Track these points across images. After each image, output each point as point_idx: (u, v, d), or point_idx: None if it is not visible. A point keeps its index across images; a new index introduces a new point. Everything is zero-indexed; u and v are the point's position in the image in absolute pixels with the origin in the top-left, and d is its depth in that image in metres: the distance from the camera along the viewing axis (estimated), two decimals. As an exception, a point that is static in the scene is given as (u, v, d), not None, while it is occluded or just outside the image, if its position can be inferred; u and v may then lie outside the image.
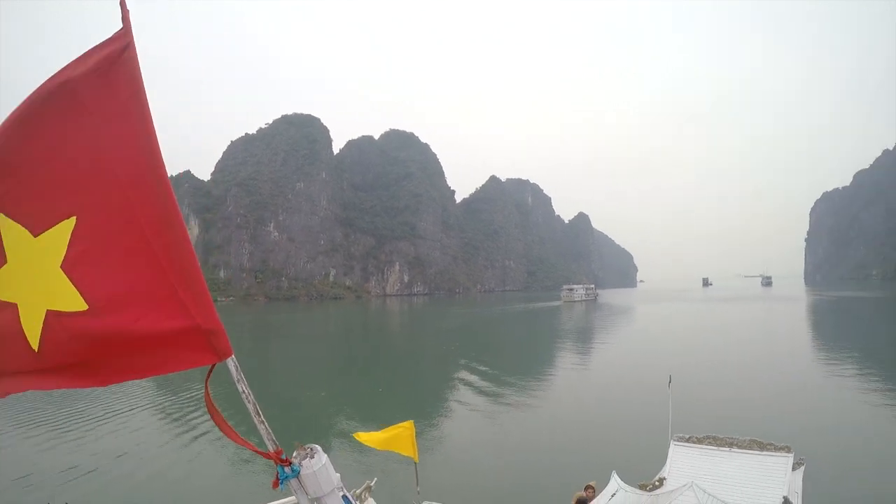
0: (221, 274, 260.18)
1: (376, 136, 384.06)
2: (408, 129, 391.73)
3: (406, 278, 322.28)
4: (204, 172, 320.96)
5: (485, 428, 32.53)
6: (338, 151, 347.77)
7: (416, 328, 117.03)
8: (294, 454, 3.87)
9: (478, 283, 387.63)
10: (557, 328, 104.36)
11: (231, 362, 3.37)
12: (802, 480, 15.57)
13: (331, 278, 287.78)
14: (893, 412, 35.59)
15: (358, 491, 9.43)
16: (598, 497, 13.57)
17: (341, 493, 3.81)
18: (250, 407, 3.53)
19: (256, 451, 3.58)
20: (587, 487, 14.41)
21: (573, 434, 30.93)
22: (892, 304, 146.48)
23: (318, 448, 3.95)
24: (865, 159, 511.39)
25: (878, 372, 49.35)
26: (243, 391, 3.51)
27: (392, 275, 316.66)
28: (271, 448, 3.66)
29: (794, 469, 15.20)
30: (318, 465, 3.86)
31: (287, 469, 3.75)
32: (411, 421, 10.47)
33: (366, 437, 10.20)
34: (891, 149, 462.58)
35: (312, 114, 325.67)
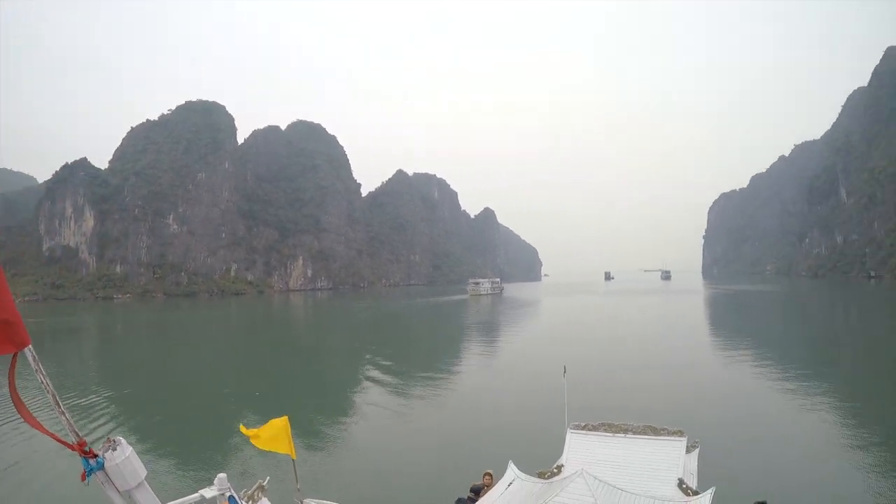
0: (118, 269, 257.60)
1: (283, 127, 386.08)
2: (316, 121, 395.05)
3: (310, 273, 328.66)
4: (102, 160, 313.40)
5: (383, 421, 32.90)
6: (242, 141, 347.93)
7: (318, 324, 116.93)
8: (100, 447, 3.96)
9: (383, 278, 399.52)
10: (462, 322, 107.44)
11: (29, 352, 3.42)
12: (697, 462, 16.27)
13: (232, 273, 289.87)
14: (781, 395, 38.62)
15: (250, 491, 9.67)
16: (495, 486, 13.84)
17: (228, 494, 3.94)
18: (50, 398, 3.54)
19: (61, 442, 3.62)
20: (485, 476, 14.83)
21: (472, 425, 31.84)
22: (783, 297, 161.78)
23: (122, 440, 4.02)
24: (763, 165, 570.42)
25: (768, 359, 52.44)
26: (42, 382, 3.56)
27: (295, 269, 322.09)
28: (74, 439, 3.68)
29: (688, 451, 15.85)
30: (121, 458, 3.91)
31: (92, 461, 3.75)
32: (286, 417, 10.31)
33: (248, 433, 10.04)
34: (786, 155, 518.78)
35: (218, 101, 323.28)
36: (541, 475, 14.24)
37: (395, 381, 45.22)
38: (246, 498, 9.47)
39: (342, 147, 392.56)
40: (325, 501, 10.02)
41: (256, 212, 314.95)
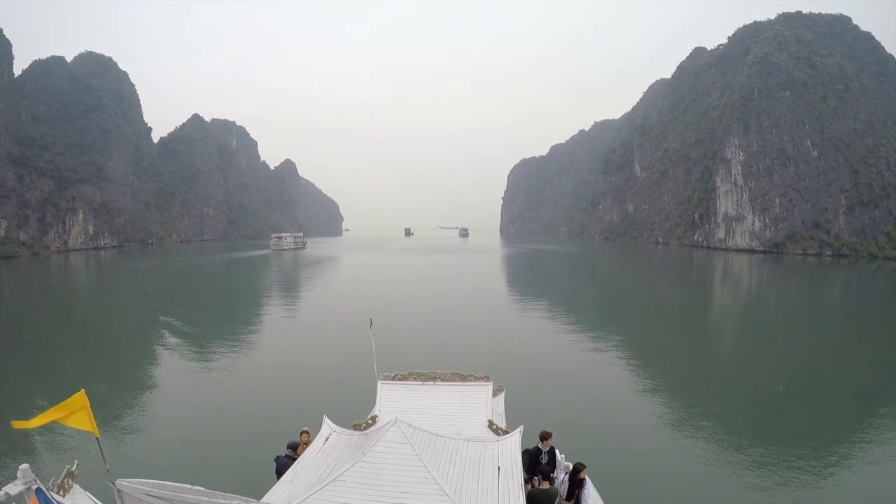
0: None
1: (69, 59, 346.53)
2: (107, 54, 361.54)
3: (91, 229, 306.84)
4: None
5: (189, 388, 32.94)
6: (20, 73, 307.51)
7: (103, 289, 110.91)
8: None
9: (174, 233, 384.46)
10: (264, 278, 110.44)
11: None
12: (504, 404, 18.37)
13: (1, 231, 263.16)
14: (574, 342, 44.91)
15: (59, 479, 9.37)
16: (312, 441, 14.49)
17: (35, 487, 3.87)
18: None
19: None
20: (301, 433, 15.68)
21: (283, 383, 33.02)
22: (574, 255, 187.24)
23: None
24: (563, 138, 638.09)
25: (561, 310, 60.06)
26: None
27: (75, 226, 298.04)
28: None
29: (494, 395, 17.69)
30: None
31: None
32: (82, 391, 9.64)
33: (29, 423, 9.22)
34: (586, 130, 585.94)
35: None
36: (356, 427, 15.22)
37: (197, 346, 44.99)
38: (56, 488, 9.21)
39: (133, 85, 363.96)
40: (140, 480, 8.86)
41: (30, 158, 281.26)
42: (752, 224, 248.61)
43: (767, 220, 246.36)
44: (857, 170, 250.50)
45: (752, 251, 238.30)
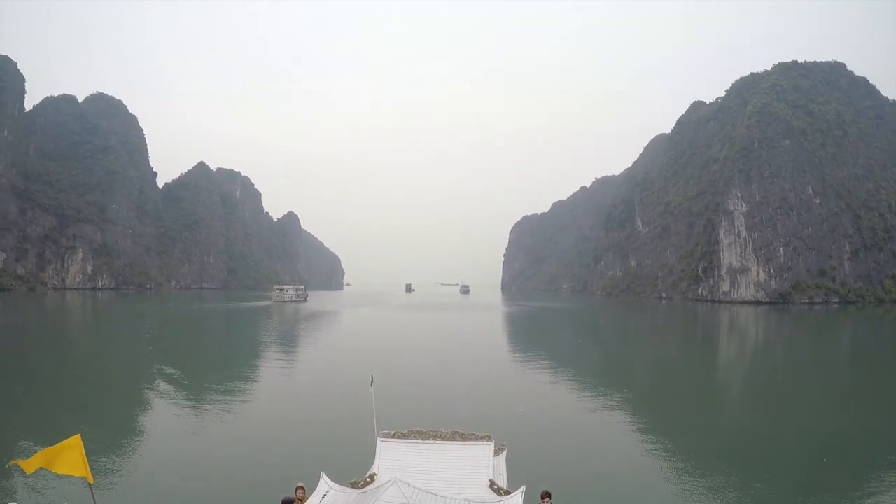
0: None
1: (81, 98, 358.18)
2: (118, 96, 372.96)
3: (90, 269, 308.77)
4: None
5: (184, 437, 32.74)
6: (31, 108, 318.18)
7: (98, 329, 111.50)
8: None
9: (172, 279, 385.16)
10: (265, 329, 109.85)
11: None
12: (506, 463, 18.24)
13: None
14: (574, 398, 45.32)
15: None
16: (308, 499, 14.31)
17: None
18: None
19: None
20: (297, 489, 14.96)
21: (280, 437, 32.59)
22: (576, 313, 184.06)
23: None
24: (565, 195, 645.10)
25: (564, 368, 60.18)
26: None
27: (74, 265, 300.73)
28: None
29: (496, 454, 17.58)
30: None
31: None
32: (78, 435, 9.85)
33: (26, 463, 9.52)
34: (587, 186, 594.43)
35: (10, 56, 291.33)
36: (354, 485, 15.24)
37: (194, 395, 44.50)
38: None
39: (141, 129, 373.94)
40: None
41: (34, 193, 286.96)
42: (757, 275, 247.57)
43: (772, 271, 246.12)
44: (859, 214, 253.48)
45: (757, 303, 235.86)
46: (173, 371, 56.41)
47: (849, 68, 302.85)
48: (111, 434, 33.08)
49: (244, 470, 26.98)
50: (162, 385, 49.18)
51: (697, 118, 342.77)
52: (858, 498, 25.12)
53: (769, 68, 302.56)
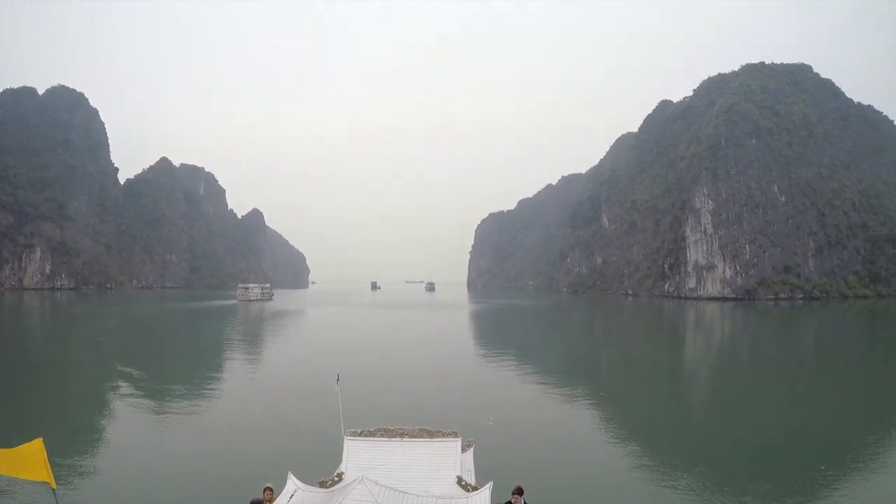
0: None
1: (41, 91, 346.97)
2: (79, 89, 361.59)
3: (48, 269, 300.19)
4: None
5: (148, 441, 32.03)
6: None
7: (57, 331, 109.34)
8: None
9: (134, 279, 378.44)
10: (230, 329, 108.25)
11: None
12: (473, 459, 18.44)
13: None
14: (540, 393, 45.51)
15: None
16: (276, 499, 14.35)
17: None
18: None
19: None
20: (265, 490, 14.94)
21: (246, 438, 32.32)
22: (542, 310, 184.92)
23: None
24: (530, 191, 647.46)
25: (530, 363, 60.61)
26: None
27: (32, 263, 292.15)
28: None
29: (463, 450, 17.86)
30: None
31: None
32: (40, 439, 9.62)
33: None
34: (553, 184, 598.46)
35: None
36: (322, 484, 15.29)
37: (159, 397, 43.68)
38: None
39: (103, 123, 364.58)
40: None
41: None
42: (723, 272, 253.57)
43: (738, 267, 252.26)
44: (823, 212, 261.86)
45: (723, 299, 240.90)
46: (137, 373, 55.19)
47: (815, 70, 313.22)
48: (74, 438, 32.53)
49: (211, 472, 26.80)
50: (125, 387, 48.11)
51: (665, 117, 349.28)
52: (823, 489, 25.66)
53: (737, 69, 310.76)
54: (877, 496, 25.15)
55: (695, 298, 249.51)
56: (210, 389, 47.38)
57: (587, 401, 44.78)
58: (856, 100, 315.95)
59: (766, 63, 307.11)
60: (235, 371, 59.14)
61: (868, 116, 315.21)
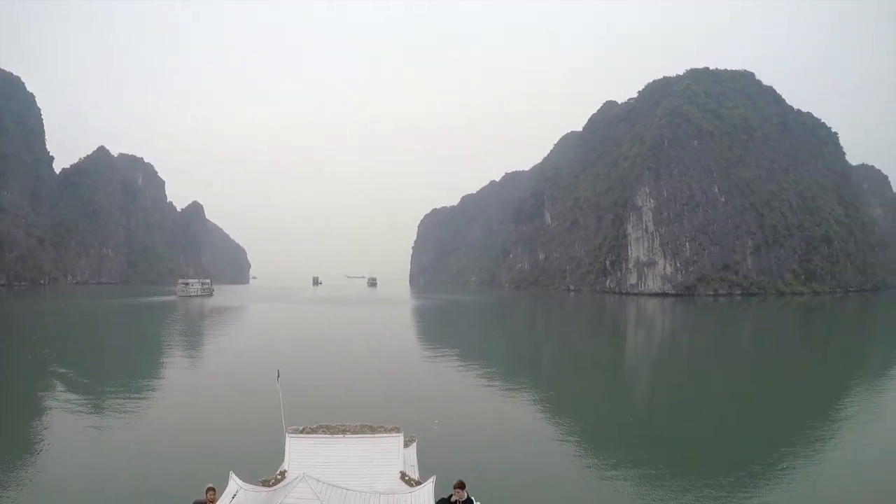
0: None
1: None
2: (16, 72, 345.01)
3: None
4: None
5: (80, 445, 31.25)
6: None
7: None
8: None
9: (68, 274, 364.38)
10: (169, 326, 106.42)
11: None
12: (416, 454, 18.82)
13: None
14: (482, 388, 46.19)
15: None
16: (219, 499, 14.32)
17: None
18: None
19: None
20: (207, 491, 14.78)
21: (186, 439, 31.87)
22: (485, 306, 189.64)
23: None
24: (474, 187, 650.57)
25: (472, 359, 61.24)
26: None
27: None
28: None
29: (406, 446, 18.15)
30: None
31: None
32: None
33: None
34: (497, 180, 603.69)
35: None
36: (264, 483, 15.42)
37: (95, 398, 42.22)
38: None
39: (39, 109, 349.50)
40: None
41: None
42: (664, 268, 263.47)
43: (678, 264, 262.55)
44: (762, 213, 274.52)
45: (664, 295, 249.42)
46: (71, 374, 53.58)
47: (757, 77, 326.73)
48: (7, 445, 31.31)
49: (151, 474, 26.30)
50: (60, 390, 46.55)
51: (609, 117, 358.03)
52: (759, 477, 27.03)
53: (682, 73, 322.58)
54: (811, 490, 26.09)
55: (636, 294, 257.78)
56: (149, 390, 46.70)
57: (530, 396, 45.75)
58: (795, 107, 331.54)
59: (710, 69, 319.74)
60: (175, 370, 58.34)
61: (807, 122, 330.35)
